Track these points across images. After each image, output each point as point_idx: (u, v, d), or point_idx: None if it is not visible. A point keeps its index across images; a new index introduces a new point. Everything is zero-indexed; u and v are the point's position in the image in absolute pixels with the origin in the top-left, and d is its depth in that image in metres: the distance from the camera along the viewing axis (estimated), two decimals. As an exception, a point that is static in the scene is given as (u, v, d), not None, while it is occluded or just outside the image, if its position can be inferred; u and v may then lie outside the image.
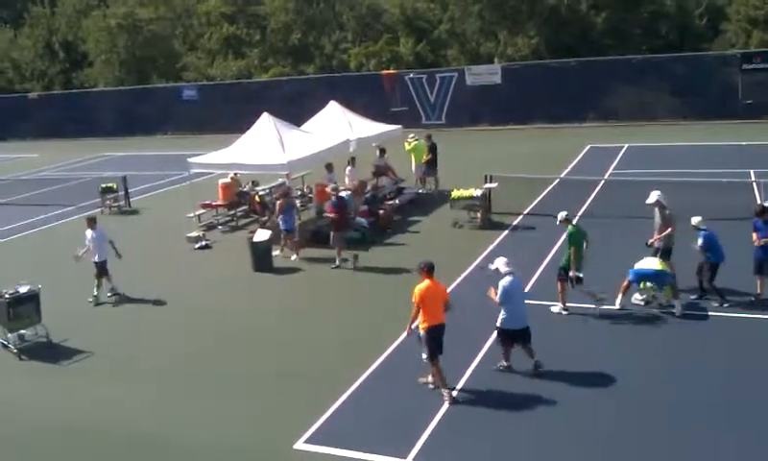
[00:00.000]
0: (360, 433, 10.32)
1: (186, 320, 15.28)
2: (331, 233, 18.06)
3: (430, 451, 9.75)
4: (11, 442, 11.05)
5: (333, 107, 24.50)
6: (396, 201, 22.80)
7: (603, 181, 23.18)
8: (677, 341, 12.49)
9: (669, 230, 13.99)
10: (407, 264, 16.89)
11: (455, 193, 20.50)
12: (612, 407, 10.52)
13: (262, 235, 18.15)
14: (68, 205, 26.90)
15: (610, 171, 25.59)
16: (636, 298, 13.94)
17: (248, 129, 21.61)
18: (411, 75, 40.45)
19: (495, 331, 11.71)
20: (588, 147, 30.53)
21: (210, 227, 22.20)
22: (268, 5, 49.40)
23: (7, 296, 13.99)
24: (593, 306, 13.62)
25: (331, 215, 18.29)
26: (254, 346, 13.71)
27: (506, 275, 11.40)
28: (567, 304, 13.81)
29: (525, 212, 20.92)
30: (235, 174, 23.00)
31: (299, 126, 22.86)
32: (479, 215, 20.00)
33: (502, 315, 11.44)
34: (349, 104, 25.91)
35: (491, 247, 17.87)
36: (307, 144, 21.03)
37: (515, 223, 20.06)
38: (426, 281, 11.02)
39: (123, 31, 51.73)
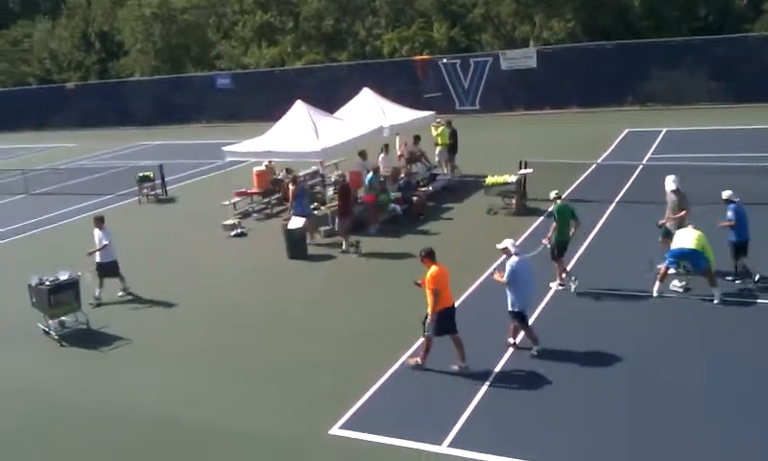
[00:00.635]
0: (395, 420, 10.32)
1: (222, 307, 15.40)
2: (336, 220, 18.29)
3: (465, 438, 9.71)
4: (53, 426, 11.28)
5: (366, 93, 24.45)
6: (430, 187, 22.71)
7: (641, 167, 22.81)
8: (713, 329, 12.25)
9: (684, 213, 14.15)
10: (441, 252, 16.81)
11: (489, 179, 20.31)
12: (643, 394, 10.36)
13: (297, 223, 18.21)
14: (107, 193, 27.29)
15: (648, 156, 25.15)
16: (675, 285, 13.72)
17: (281, 117, 21.67)
18: (444, 60, 40.16)
19: (513, 317, 11.79)
20: (626, 131, 30.06)
21: (245, 214, 22.35)
22: (301, -9, 49.40)
23: (47, 283, 14.24)
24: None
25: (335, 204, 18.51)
26: (286, 333, 13.76)
27: (514, 255, 11.62)
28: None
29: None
30: (270, 162, 23.10)
31: (332, 113, 22.85)
32: (514, 201, 19.81)
33: (511, 298, 11.62)
34: (383, 90, 25.83)
35: (526, 233, 17.70)
36: (341, 131, 21.02)
37: (550, 209, 19.77)
38: (435, 267, 11.24)
39: (158, 20, 52.22)
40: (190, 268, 18.16)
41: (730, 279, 13.76)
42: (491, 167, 21.70)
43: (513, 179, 19.99)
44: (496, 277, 11.87)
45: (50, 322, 14.42)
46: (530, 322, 12.12)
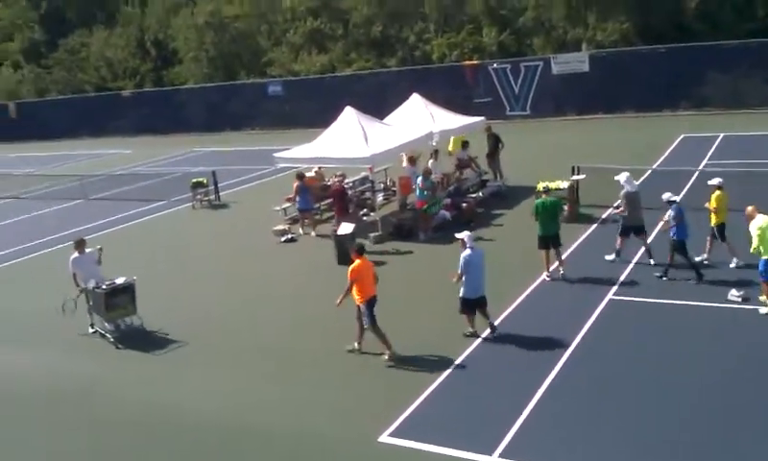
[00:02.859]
0: (444, 428, 10.26)
1: (273, 310, 15.57)
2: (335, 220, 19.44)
3: (517, 448, 9.59)
4: (110, 427, 11.51)
5: (416, 99, 24.40)
6: (480, 194, 22.55)
7: (698, 172, 22.27)
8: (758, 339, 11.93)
9: (620, 211, 15.81)
10: (495, 256, 16.67)
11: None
12: (709, 410, 10.11)
13: (346, 228, 18.26)
14: (161, 199, 27.82)
15: (704, 161, 24.57)
16: (734, 294, 13.35)
17: (332, 123, 21.79)
18: (494, 65, 39.90)
19: (461, 304, 12.84)
20: (682, 137, 29.40)
21: (295, 220, 22.46)
22: (351, -2, 49.60)
23: (104, 287, 14.55)
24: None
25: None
26: (336, 338, 13.74)
27: (468, 248, 12.69)
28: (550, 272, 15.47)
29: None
30: (319, 168, 23.24)
31: (381, 119, 22.88)
32: (566, 208, 19.48)
33: (463, 287, 12.74)
34: (432, 96, 25.74)
35: (578, 241, 17.45)
36: (390, 137, 21.02)
37: (604, 216, 19.52)
38: (359, 261, 12.40)
39: (210, 28, 53.05)
40: (242, 272, 18.39)
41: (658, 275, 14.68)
42: (542, 173, 21.44)
43: (565, 185, 19.71)
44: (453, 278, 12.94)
45: (106, 325, 14.74)
46: (487, 308, 12.94)
